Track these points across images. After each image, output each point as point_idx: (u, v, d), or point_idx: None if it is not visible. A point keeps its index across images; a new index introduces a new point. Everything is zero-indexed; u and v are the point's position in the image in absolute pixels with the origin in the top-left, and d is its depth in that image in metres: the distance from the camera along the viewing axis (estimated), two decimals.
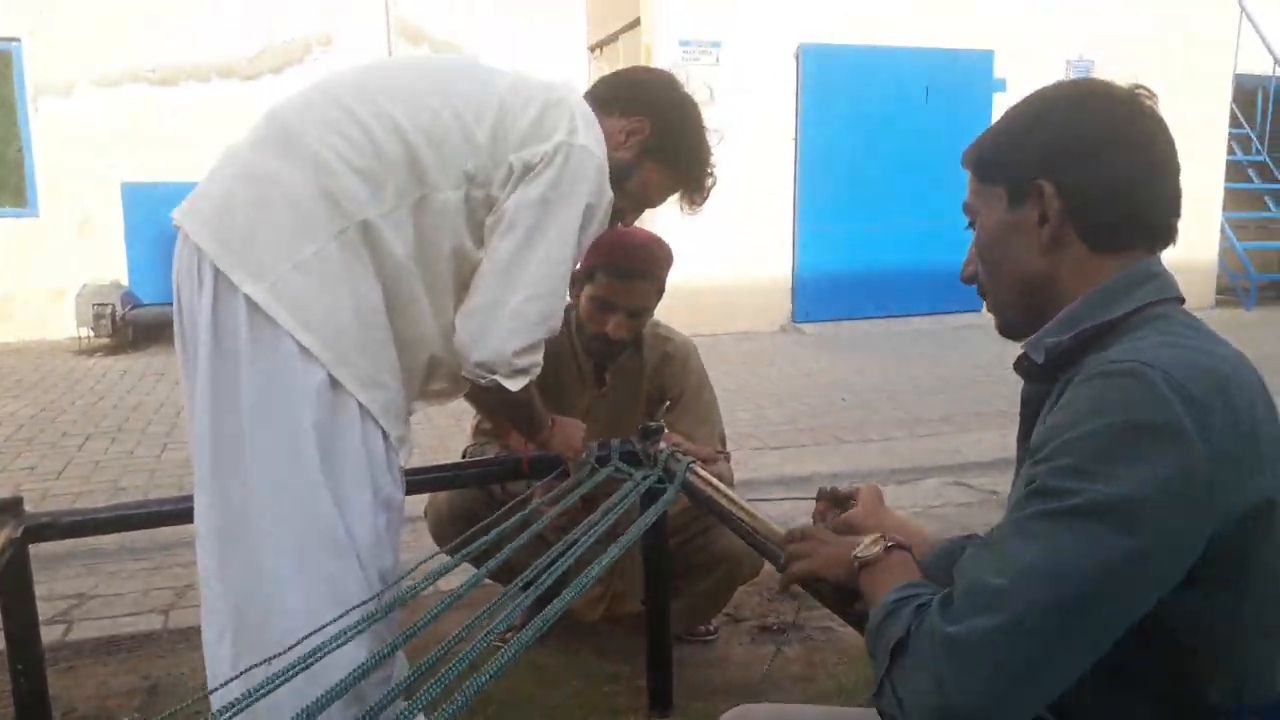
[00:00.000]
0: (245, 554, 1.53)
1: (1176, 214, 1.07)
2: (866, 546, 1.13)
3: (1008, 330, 1.15)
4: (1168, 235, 1.07)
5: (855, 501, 1.42)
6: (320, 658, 1.20)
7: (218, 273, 1.52)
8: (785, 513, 2.00)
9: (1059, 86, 1.11)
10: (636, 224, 2.06)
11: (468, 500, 2.39)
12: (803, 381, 6.34)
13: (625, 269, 2.23)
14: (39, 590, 1.83)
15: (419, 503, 2.44)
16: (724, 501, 1.63)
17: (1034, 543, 0.89)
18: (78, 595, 3.00)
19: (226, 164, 1.62)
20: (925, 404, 5.77)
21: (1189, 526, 0.88)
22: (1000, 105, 8.72)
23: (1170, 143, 1.06)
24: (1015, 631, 0.86)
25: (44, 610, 2.70)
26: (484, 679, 1.10)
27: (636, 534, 1.50)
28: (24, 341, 8.34)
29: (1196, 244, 9.27)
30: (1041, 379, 1.08)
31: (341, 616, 1.43)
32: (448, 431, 4.92)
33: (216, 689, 1.50)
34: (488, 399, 1.80)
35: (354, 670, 1.21)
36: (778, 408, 5.58)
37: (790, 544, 1.29)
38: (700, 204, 1.92)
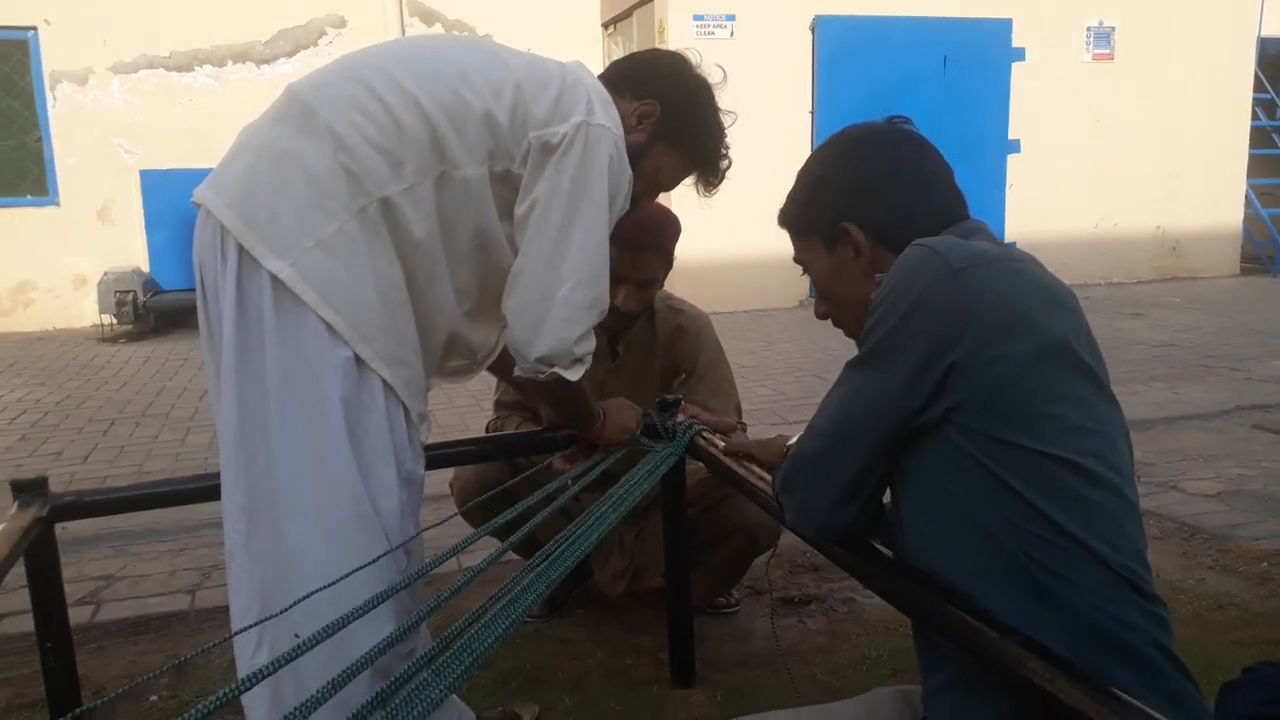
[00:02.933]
0: (272, 528, 1.54)
1: (962, 205, 1.29)
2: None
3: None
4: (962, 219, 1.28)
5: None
6: (345, 625, 1.21)
7: (241, 250, 1.51)
8: None
9: (831, 143, 1.35)
10: None
11: (493, 473, 2.40)
12: (821, 357, 6.31)
13: (633, 241, 2.22)
14: (68, 573, 1.85)
15: (443, 479, 2.46)
16: (742, 471, 1.63)
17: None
18: (105, 577, 3.04)
19: (246, 141, 1.61)
20: None
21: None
22: (1019, 74, 8.71)
23: (934, 155, 1.30)
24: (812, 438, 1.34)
25: (73, 592, 2.75)
26: (488, 644, 1.18)
27: (640, 491, 1.59)
28: (48, 329, 8.45)
29: (1221, 211, 8.88)
30: None
31: (360, 571, 1.47)
32: (468, 412, 4.94)
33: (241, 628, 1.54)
34: (544, 396, 1.81)
35: (379, 643, 1.22)
36: (796, 383, 5.57)
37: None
38: (715, 187, 1.91)
